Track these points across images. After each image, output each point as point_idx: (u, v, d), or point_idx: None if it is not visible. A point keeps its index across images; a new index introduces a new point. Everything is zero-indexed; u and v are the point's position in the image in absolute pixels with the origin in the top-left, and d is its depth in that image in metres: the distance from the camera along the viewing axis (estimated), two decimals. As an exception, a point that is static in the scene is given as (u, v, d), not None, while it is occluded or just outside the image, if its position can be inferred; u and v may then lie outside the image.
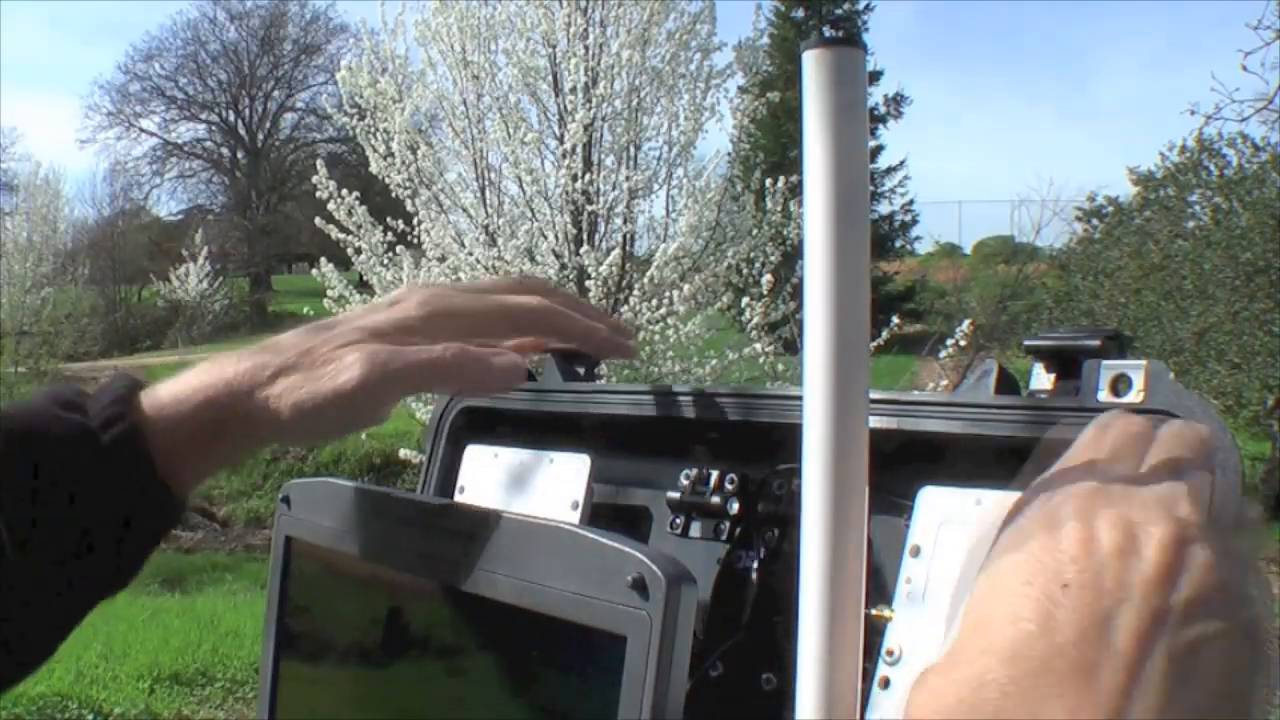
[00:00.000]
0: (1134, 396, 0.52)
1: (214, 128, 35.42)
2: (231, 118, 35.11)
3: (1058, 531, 0.34)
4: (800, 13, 22.16)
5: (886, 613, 0.53)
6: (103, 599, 0.53)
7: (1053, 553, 0.33)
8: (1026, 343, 0.55)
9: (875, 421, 0.60)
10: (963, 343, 6.33)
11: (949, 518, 0.53)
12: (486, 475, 0.74)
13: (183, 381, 0.54)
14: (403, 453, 6.93)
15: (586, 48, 5.95)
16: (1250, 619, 0.31)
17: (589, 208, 5.98)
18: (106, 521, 0.51)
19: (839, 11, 23.28)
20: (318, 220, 6.40)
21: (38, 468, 0.49)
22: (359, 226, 6.26)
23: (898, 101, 24.58)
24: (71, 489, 0.50)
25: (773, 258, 6.21)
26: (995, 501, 0.51)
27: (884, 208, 23.79)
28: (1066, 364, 0.54)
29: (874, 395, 0.58)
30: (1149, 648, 0.30)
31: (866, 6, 23.57)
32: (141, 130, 34.76)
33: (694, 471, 0.67)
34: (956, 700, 0.31)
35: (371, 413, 0.53)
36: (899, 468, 0.57)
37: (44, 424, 0.51)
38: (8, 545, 0.48)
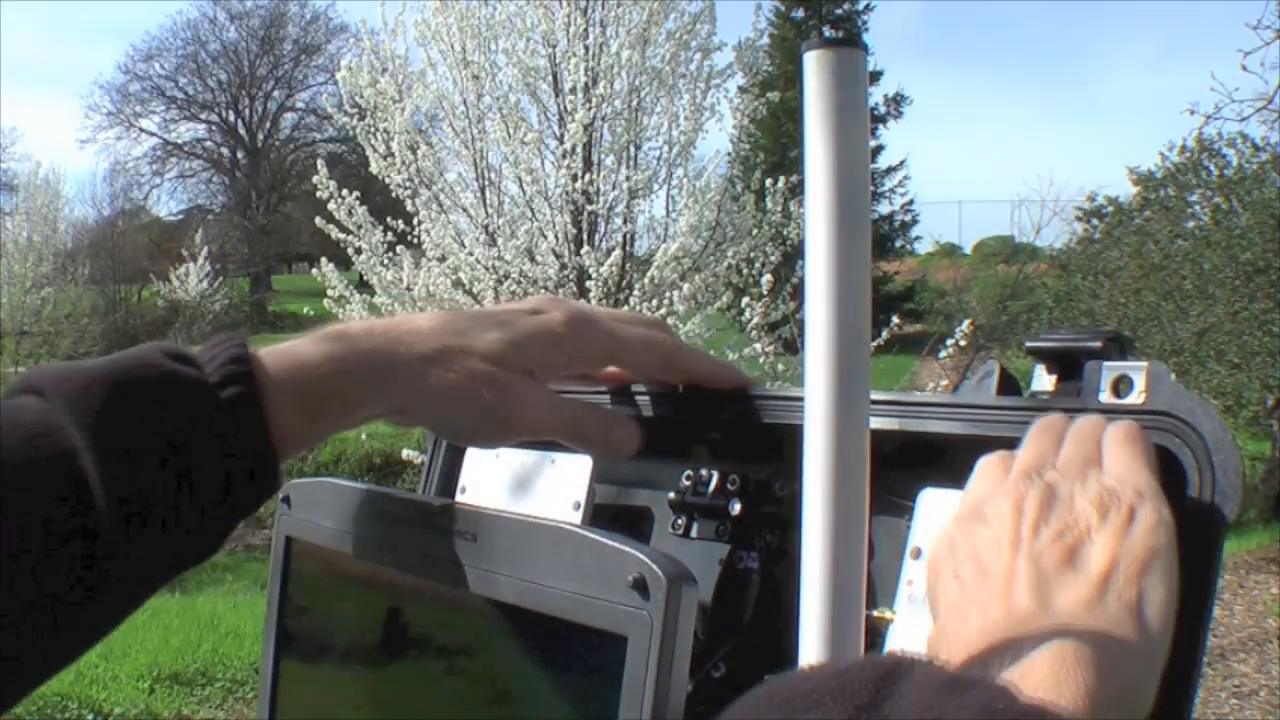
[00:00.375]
0: (1135, 397, 0.52)
1: (214, 128, 35.44)
2: (231, 118, 35.13)
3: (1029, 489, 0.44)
4: (800, 13, 22.16)
5: (888, 614, 0.53)
6: (184, 568, 0.49)
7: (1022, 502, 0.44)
8: (1028, 344, 0.55)
9: (876, 422, 0.60)
10: (963, 343, 6.35)
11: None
12: (488, 475, 0.74)
13: (307, 346, 0.52)
14: (404, 453, 6.93)
15: (586, 48, 5.95)
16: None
17: (589, 208, 5.99)
18: (208, 483, 0.47)
19: (839, 11, 23.28)
20: (318, 220, 6.41)
21: (144, 419, 0.46)
22: (359, 226, 6.26)
23: (898, 101, 24.59)
24: (178, 444, 0.46)
25: (773, 258, 6.21)
26: None
27: (884, 208, 23.79)
28: (1068, 365, 0.54)
29: (874, 396, 0.58)
30: (1115, 566, 0.41)
31: (866, 6, 23.58)
32: (141, 130, 34.78)
33: (695, 472, 0.67)
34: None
35: (510, 442, 0.57)
36: (900, 469, 0.57)
37: (154, 374, 0.47)
38: (100, 496, 0.44)
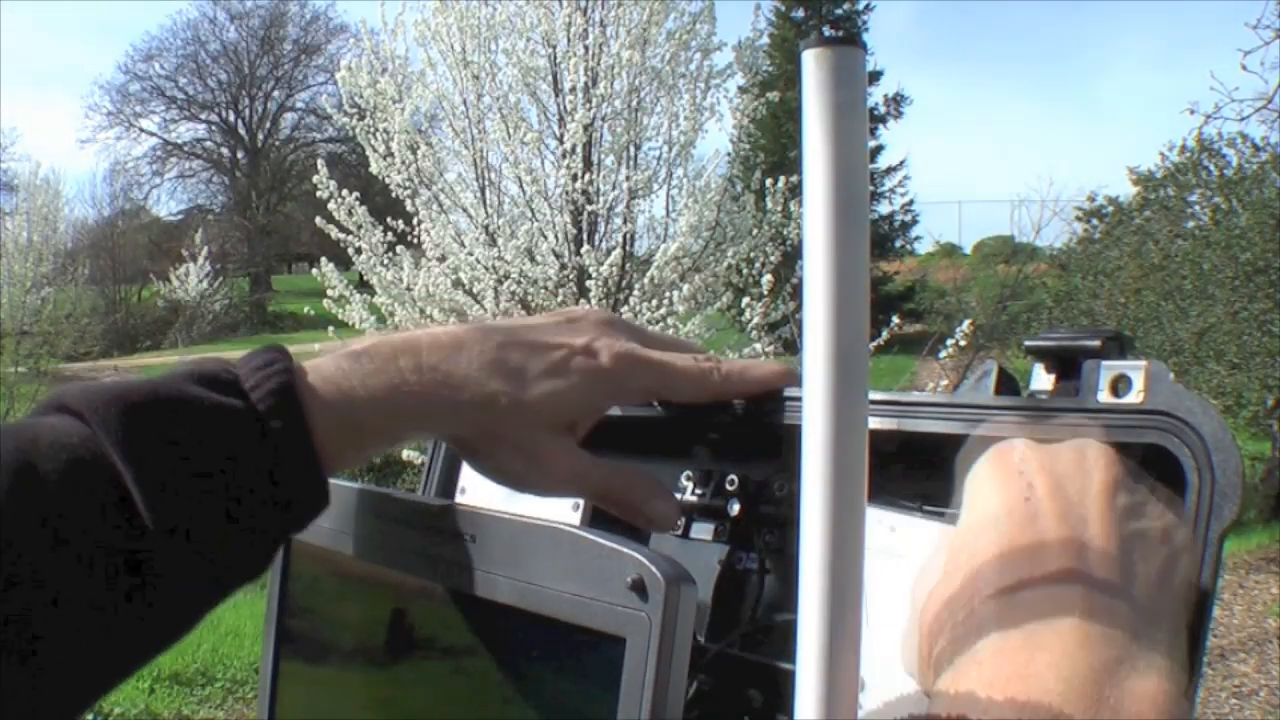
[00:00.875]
0: (1134, 397, 0.52)
1: (214, 128, 35.44)
2: (231, 118, 35.13)
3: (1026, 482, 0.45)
4: (800, 12, 22.16)
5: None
6: (233, 589, 0.48)
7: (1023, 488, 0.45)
8: (1027, 343, 0.55)
9: (875, 422, 0.60)
10: (962, 343, 6.34)
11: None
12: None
13: (351, 374, 0.50)
14: (404, 453, 6.94)
15: (586, 48, 5.96)
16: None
17: (589, 208, 5.99)
18: (256, 512, 0.46)
19: (839, 11, 23.28)
20: (318, 220, 6.41)
21: (189, 450, 0.45)
22: (359, 226, 6.26)
23: (898, 101, 24.59)
24: (226, 474, 0.46)
25: (773, 258, 6.21)
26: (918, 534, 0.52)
27: (884, 208, 23.79)
28: (1067, 365, 0.54)
29: (874, 396, 0.58)
30: (1114, 534, 0.42)
31: (866, 6, 23.57)
32: (141, 130, 34.79)
33: (694, 473, 0.67)
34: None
35: (548, 494, 0.58)
36: (900, 469, 0.57)
37: (197, 403, 0.46)
38: (149, 519, 0.44)
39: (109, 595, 0.43)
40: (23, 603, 0.41)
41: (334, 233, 6.28)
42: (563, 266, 6.00)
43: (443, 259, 6.12)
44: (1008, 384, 0.56)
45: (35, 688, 0.42)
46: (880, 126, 23.98)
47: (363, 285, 6.57)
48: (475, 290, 6.09)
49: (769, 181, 6.32)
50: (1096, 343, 0.53)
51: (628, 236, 6.09)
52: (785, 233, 6.28)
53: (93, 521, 0.43)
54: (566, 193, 5.95)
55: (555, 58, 6.08)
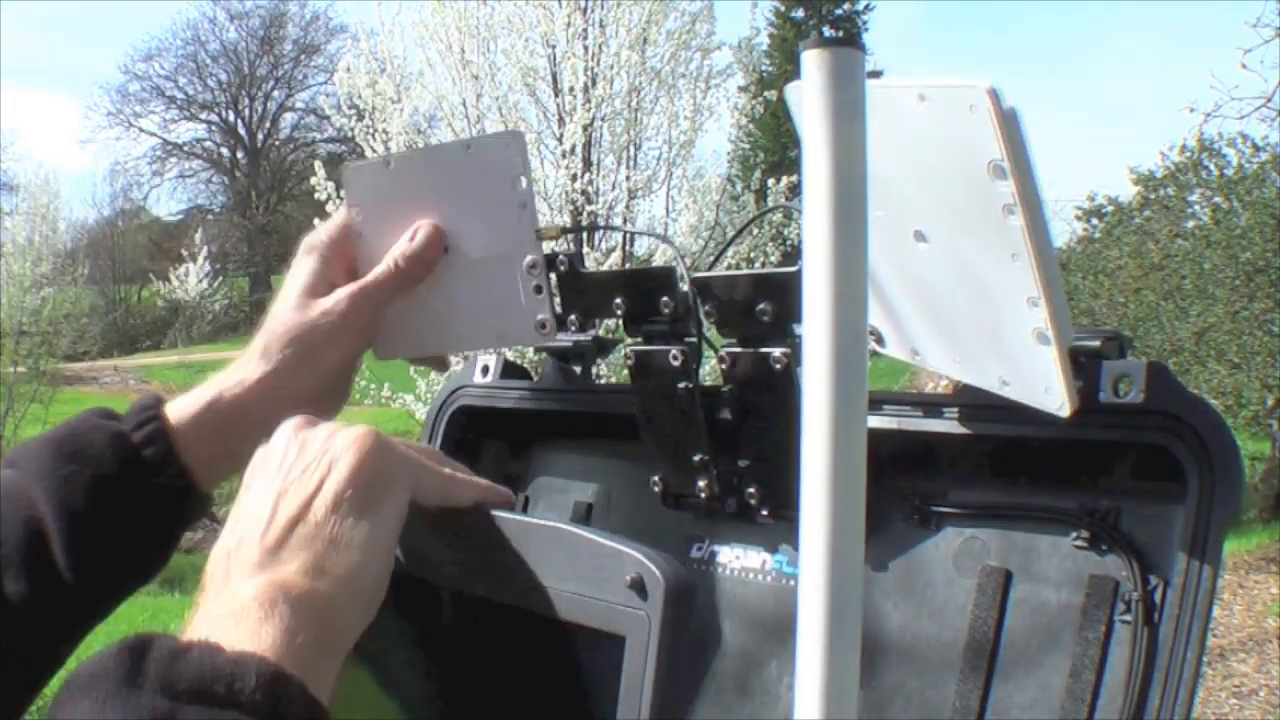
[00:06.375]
0: (1135, 396, 0.52)
1: (214, 128, 35.43)
2: (231, 118, 35.12)
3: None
4: (800, 13, 22.16)
5: None
6: (130, 590, 0.64)
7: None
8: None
9: (875, 421, 0.60)
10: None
11: None
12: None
13: (196, 393, 0.67)
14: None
15: (586, 48, 5.95)
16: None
17: (589, 208, 5.98)
18: (137, 513, 0.63)
19: (839, 11, 23.28)
20: (317, 220, 6.39)
21: (79, 467, 0.62)
22: (358, 226, 6.25)
23: (897, 101, 24.53)
24: (106, 483, 0.62)
25: (773, 258, 6.21)
26: None
27: (884, 207, 23.71)
28: (1067, 364, 0.53)
29: (874, 395, 0.58)
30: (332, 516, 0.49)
31: (866, 6, 23.56)
32: (141, 130, 34.78)
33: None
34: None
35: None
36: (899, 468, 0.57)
37: (85, 430, 0.64)
38: (53, 537, 0.60)
39: (33, 596, 0.59)
40: None
41: (333, 233, 6.27)
42: (562, 266, 6.00)
43: (442, 259, 6.11)
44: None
45: None
46: (880, 126, 23.92)
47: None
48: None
49: (770, 181, 6.32)
50: (1097, 343, 0.53)
51: (627, 237, 6.09)
52: (785, 233, 6.28)
53: (20, 544, 0.60)
54: (566, 193, 5.94)
55: (554, 58, 6.08)
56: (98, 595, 0.63)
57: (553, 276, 0.68)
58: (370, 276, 0.69)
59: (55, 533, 0.60)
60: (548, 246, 0.68)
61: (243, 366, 0.68)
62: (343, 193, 0.73)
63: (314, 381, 0.68)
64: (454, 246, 0.69)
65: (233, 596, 0.45)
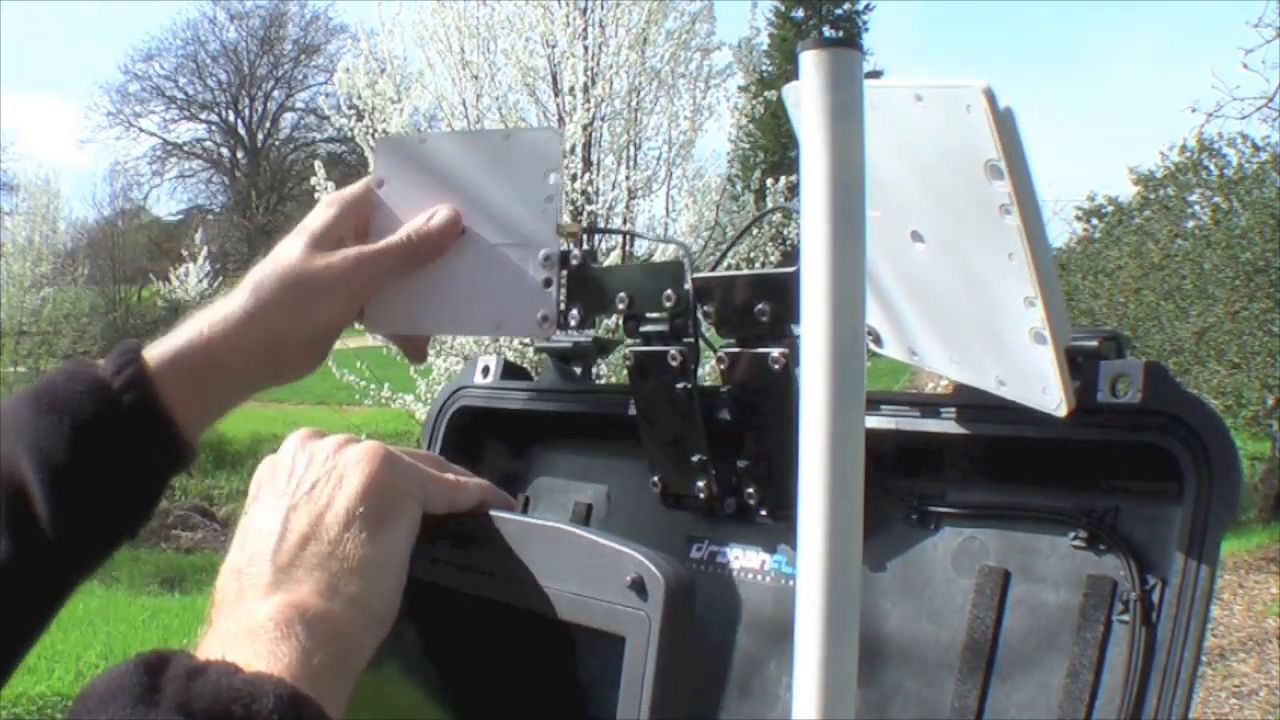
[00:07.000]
0: (1133, 396, 0.52)
1: (214, 128, 35.44)
2: (231, 118, 35.13)
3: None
4: (800, 12, 22.16)
5: None
6: (116, 546, 0.63)
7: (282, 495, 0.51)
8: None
9: (873, 422, 0.60)
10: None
11: None
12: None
13: (176, 333, 0.66)
14: (402, 452, 6.92)
15: (586, 48, 5.95)
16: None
17: (589, 208, 5.98)
18: (119, 462, 0.61)
19: (839, 11, 23.28)
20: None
21: (58, 418, 0.60)
22: (358, 226, 6.25)
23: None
24: (88, 432, 0.60)
25: (773, 258, 6.21)
26: None
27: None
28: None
29: (872, 395, 0.58)
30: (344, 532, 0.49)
31: (866, 6, 23.56)
32: (141, 130, 34.78)
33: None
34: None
35: None
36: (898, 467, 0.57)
37: (63, 381, 0.62)
38: (35, 492, 0.59)
39: (17, 553, 0.58)
40: None
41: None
42: (562, 266, 6.00)
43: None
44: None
45: None
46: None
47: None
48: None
49: (769, 181, 6.32)
50: (1095, 343, 0.53)
51: (627, 237, 6.09)
52: (785, 233, 6.28)
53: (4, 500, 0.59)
54: (566, 193, 5.94)
55: (554, 58, 6.08)
56: (82, 551, 0.62)
57: (563, 274, 0.68)
58: (380, 244, 0.68)
59: (37, 487, 0.59)
60: (563, 244, 0.68)
61: (229, 301, 0.67)
62: (372, 160, 0.73)
63: (296, 331, 0.67)
64: (470, 230, 0.69)
65: (247, 615, 0.45)
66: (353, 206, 0.70)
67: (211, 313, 0.66)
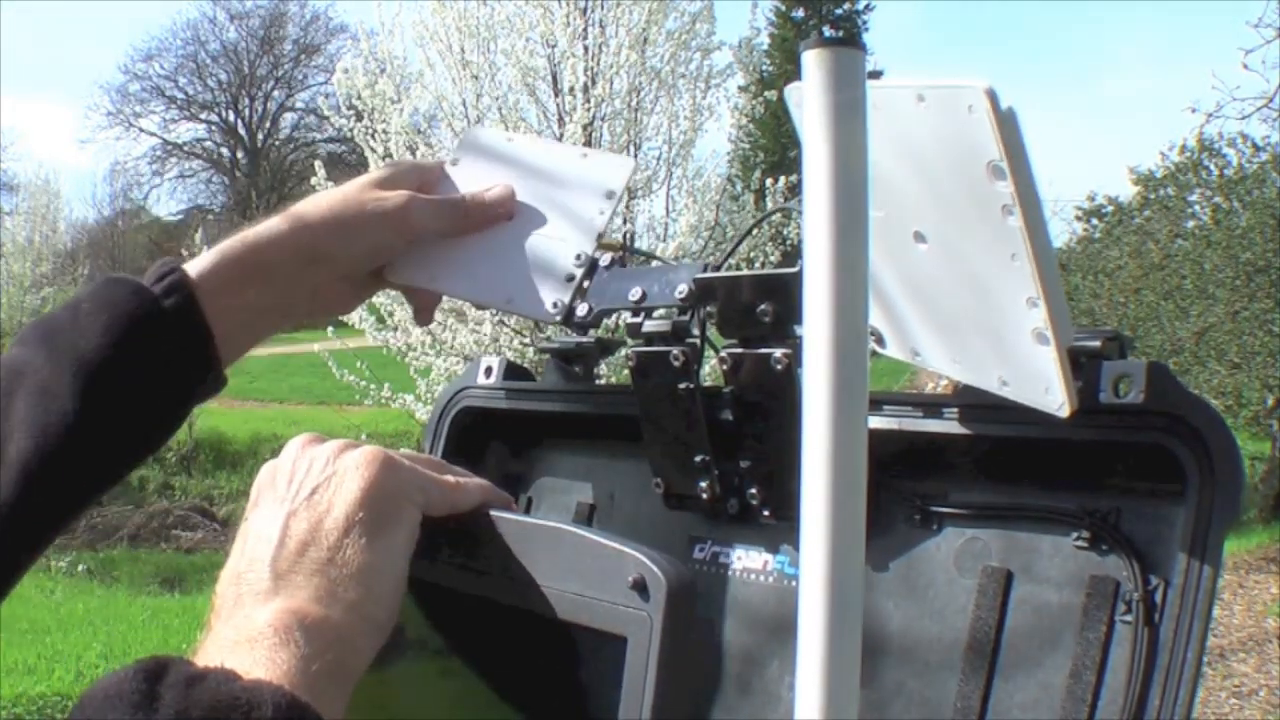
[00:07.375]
0: (1135, 397, 0.52)
1: (214, 128, 35.44)
2: (231, 118, 35.14)
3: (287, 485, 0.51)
4: (800, 13, 22.16)
5: None
6: (134, 460, 0.63)
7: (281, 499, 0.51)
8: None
9: (875, 422, 0.60)
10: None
11: None
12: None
13: (217, 248, 0.67)
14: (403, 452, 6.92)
15: (586, 48, 5.96)
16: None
17: (589, 208, 5.98)
18: (152, 363, 0.62)
19: (839, 11, 23.28)
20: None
21: (97, 312, 0.61)
22: (358, 226, 6.25)
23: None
24: (127, 328, 0.61)
25: (772, 258, 6.21)
26: None
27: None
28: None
29: (874, 396, 0.58)
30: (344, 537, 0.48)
31: (867, 6, 23.56)
32: (141, 130, 34.78)
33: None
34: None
35: None
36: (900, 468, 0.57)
37: (104, 285, 0.63)
38: (66, 393, 0.59)
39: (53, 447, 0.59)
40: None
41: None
42: (563, 266, 6.00)
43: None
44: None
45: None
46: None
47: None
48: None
49: (769, 181, 6.32)
50: (1097, 343, 0.53)
51: (627, 236, 6.09)
52: (785, 233, 6.28)
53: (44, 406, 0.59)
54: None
55: (554, 58, 6.08)
56: (101, 461, 0.62)
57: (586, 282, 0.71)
58: (434, 195, 0.72)
59: (67, 384, 0.59)
60: (598, 253, 0.71)
61: (277, 220, 0.69)
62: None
63: (336, 250, 0.69)
64: (519, 217, 0.73)
65: (246, 622, 0.45)
66: (421, 170, 0.74)
67: (259, 227, 0.69)
